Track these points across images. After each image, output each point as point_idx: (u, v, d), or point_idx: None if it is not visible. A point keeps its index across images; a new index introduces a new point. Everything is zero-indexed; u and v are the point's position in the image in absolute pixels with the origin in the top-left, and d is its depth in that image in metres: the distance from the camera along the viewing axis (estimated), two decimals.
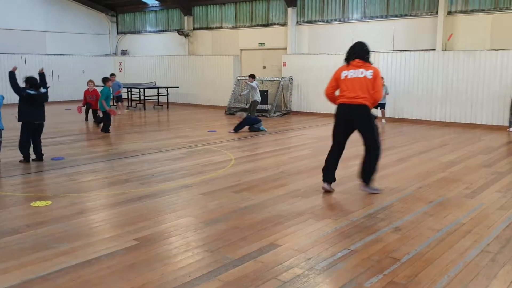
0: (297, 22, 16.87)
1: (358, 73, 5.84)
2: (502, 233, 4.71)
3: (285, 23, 17.11)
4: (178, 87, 19.18)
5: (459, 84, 13.11)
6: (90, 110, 13.75)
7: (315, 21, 16.48)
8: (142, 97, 18.31)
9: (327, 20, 16.17)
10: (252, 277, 3.69)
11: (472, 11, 13.28)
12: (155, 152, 9.13)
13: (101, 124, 11.86)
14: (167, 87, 18.53)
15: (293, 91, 16.48)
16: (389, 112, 14.39)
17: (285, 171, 7.49)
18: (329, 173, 6.20)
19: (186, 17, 20.00)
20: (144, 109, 17.84)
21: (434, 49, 13.72)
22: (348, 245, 4.35)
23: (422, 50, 13.95)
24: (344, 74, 5.92)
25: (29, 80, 7.92)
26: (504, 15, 12.72)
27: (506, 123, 12.27)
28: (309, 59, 16.08)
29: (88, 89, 13.80)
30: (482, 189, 6.43)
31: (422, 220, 5.08)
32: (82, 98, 14.20)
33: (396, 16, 14.59)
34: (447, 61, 13.34)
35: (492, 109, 12.59)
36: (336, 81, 6.02)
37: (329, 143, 6.32)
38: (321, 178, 6.27)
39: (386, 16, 14.79)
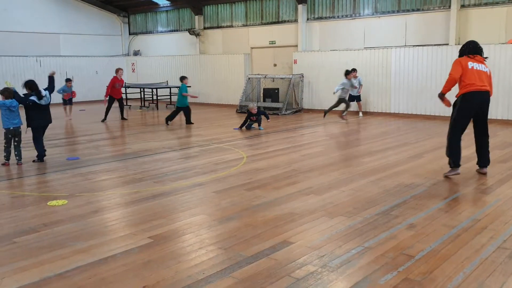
0: (307, 19, 16.83)
1: (482, 67, 6.63)
2: None
3: (296, 20, 17.08)
4: (189, 86, 19.22)
5: None
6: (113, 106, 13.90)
7: (325, 18, 16.42)
8: (154, 97, 18.42)
9: (338, 16, 16.10)
10: (266, 274, 3.70)
11: (486, 4, 13.13)
12: (168, 151, 9.18)
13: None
14: (179, 87, 18.59)
15: (304, 89, 16.44)
16: (402, 108, 14.30)
17: (297, 169, 7.48)
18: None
19: (196, 17, 20.07)
20: (157, 108, 17.94)
21: (448, 44, 13.57)
22: (362, 243, 4.34)
23: (435, 45, 13.82)
24: (470, 64, 6.58)
25: (28, 84, 8.00)
26: None
27: None
28: (320, 56, 16.02)
29: (117, 76, 14.02)
30: (498, 185, 6.36)
31: (437, 217, 5.04)
32: (100, 98, 14.27)
33: (408, 11, 14.48)
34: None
35: (508, 103, 12.43)
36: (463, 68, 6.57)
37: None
38: (334, 176, 6.26)
39: (398, 11, 14.67)
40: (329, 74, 15.39)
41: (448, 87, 6.67)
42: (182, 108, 13.16)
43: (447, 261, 3.93)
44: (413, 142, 9.81)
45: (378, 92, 14.79)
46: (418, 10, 14.29)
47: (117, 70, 14.24)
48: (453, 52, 13.19)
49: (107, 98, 13.99)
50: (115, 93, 13.95)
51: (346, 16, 15.86)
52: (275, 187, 6.34)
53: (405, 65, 14.16)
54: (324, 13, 16.43)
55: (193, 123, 13.17)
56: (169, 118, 13.26)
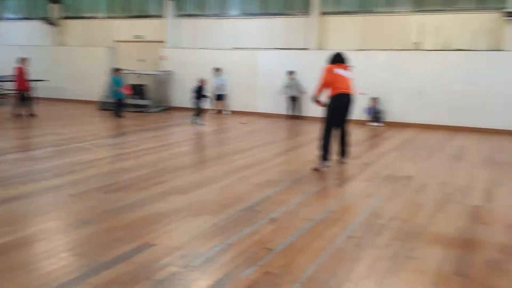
0: (176, 15, 16.61)
1: (346, 73, 7.54)
2: (367, 219, 5.08)
3: (163, 16, 16.75)
4: (48, 80, 17.79)
5: None
6: None
7: (195, 15, 16.38)
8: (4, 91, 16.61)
9: (207, 15, 16.17)
10: (125, 279, 3.53)
11: (344, 12, 14.17)
12: (17, 152, 8.37)
13: None
14: (33, 80, 17.05)
15: (174, 86, 16.22)
16: (268, 108, 14.84)
17: (165, 168, 7.32)
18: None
19: (52, 5, 18.56)
20: (5, 104, 16.04)
21: (308, 48, 14.41)
22: (225, 240, 4.37)
23: (298, 49, 14.59)
24: (336, 70, 7.44)
25: None
26: (372, 17, 13.77)
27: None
28: (190, 54, 15.96)
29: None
30: (351, 179, 6.89)
31: (297, 211, 5.29)
32: None
33: (272, 14, 15.06)
34: (321, 60, 14.06)
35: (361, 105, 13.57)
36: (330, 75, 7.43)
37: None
38: (202, 174, 6.25)
39: (264, 14, 15.19)
40: (199, 72, 15.38)
41: (320, 90, 7.56)
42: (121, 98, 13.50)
43: (304, 253, 4.13)
44: (278, 141, 10.23)
45: (246, 92, 15.18)
46: (282, 14, 14.94)
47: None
48: (313, 56, 14.07)
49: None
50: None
51: (215, 15, 16.00)
52: (140, 188, 6.12)
53: (271, 67, 14.74)
54: (193, 10, 16.38)
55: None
56: (118, 112, 13.24)
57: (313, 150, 9.06)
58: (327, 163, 7.41)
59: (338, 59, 7.68)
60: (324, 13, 14.37)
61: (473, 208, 5.60)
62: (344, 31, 14.16)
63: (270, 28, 15.16)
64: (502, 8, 12.17)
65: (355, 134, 11.32)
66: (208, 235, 4.49)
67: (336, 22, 14.26)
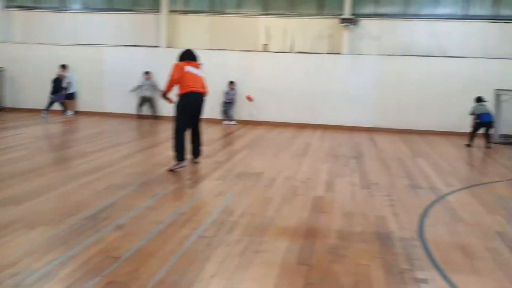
0: (5, 7, 14.96)
1: (197, 71, 7.42)
2: (218, 217, 5.09)
3: None
4: None
5: None
6: None
7: (29, 7, 14.94)
8: None
9: (44, 8, 14.86)
10: None
11: (192, 11, 14.17)
12: None
13: None
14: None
15: (5, 84, 14.61)
16: (117, 107, 14.22)
17: None
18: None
19: None
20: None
21: (159, 46, 14.13)
22: (65, 252, 4.00)
23: (148, 46, 14.21)
24: (186, 68, 7.25)
25: None
26: (219, 17, 13.99)
27: (221, 117, 13.60)
28: (25, 49, 14.53)
29: None
30: (202, 178, 6.87)
31: (146, 215, 5.08)
32: None
33: (120, 10, 14.44)
34: (171, 58, 13.91)
35: (213, 105, 13.71)
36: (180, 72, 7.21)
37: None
38: (39, 181, 5.68)
39: (110, 10, 14.50)
40: (36, 69, 14.10)
41: (169, 87, 7.39)
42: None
43: (153, 257, 3.97)
44: (127, 142, 9.81)
45: (92, 91, 14.35)
46: (130, 10, 14.41)
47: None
48: (164, 54, 13.86)
49: None
50: None
51: (54, 8, 14.78)
52: None
53: (119, 65, 14.15)
54: (25, 1, 14.91)
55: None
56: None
57: (164, 151, 8.88)
58: (182, 163, 7.24)
59: (188, 56, 7.52)
60: (173, 11, 14.22)
61: (316, 199, 5.97)
62: (194, 30, 14.17)
63: (117, 24, 14.51)
64: (340, 14, 13.29)
65: (209, 133, 11.40)
66: (45, 248, 4.07)
67: (186, 20, 14.21)
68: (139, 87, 13.77)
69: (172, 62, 13.82)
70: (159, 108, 13.94)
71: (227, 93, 13.53)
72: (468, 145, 10.86)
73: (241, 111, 13.79)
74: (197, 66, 7.53)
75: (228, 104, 13.58)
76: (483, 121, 10.82)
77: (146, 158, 8.19)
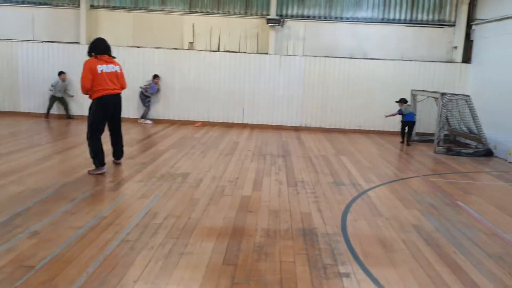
0: None
1: (110, 67, 6.85)
2: (142, 220, 4.94)
3: None
4: None
5: None
6: None
7: None
8: None
9: None
10: None
11: (114, 7, 13.68)
12: None
13: None
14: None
15: None
16: (34, 107, 13.46)
17: None
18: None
19: None
20: None
21: (79, 42, 13.52)
22: None
23: (67, 42, 13.55)
24: (99, 68, 6.68)
25: None
26: (143, 14, 13.63)
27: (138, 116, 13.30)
28: None
29: None
30: (125, 180, 6.64)
31: (63, 220, 4.82)
32: None
33: (35, 3, 13.64)
34: None
35: (138, 105, 13.37)
36: (93, 74, 6.62)
37: None
38: None
39: (24, 2, 13.65)
40: None
41: (84, 91, 6.78)
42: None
43: (71, 264, 3.77)
44: (44, 143, 9.29)
45: (4, 89, 13.47)
46: (46, 4, 13.65)
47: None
48: (85, 51, 13.23)
49: None
50: None
51: None
52: None
53: (35, 61, 13.39)
54: None
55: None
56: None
57: (83, 152, 8.49)
58: (102, 169, 6.86)
59: (100, 49, 6.78)
60: (94, 7, 13.66)
61: (243, 198, 5.97)
62: (116, 27, 13.69)
63: (32, 18, 13.69)
64: (266, 14, 13.41)
65: (133, 133, 11.08)
66: None
67: (108, 16, 13.70)
68: (54, 87, 13.08)
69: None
70: (71, 107, 13.42)
71: (148, 87, 13.19)
72: (402, 142, 11.59)
73: (167, 110, 13.54)
74: (111, 60, 6.90)
75: (149, 101, 13.23)
76: (406, 120, 11.47)
77: (64, 160, 7.79)
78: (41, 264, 3.74)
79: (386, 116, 12.12)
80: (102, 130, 6.95)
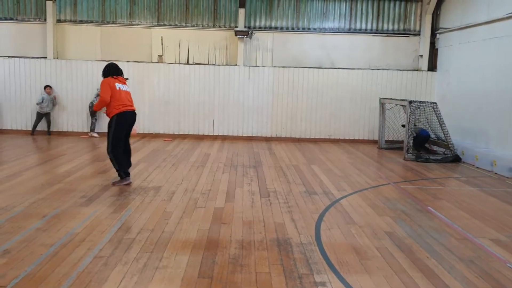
0: None
1: (125, 87, 7.31)
2: (115, 235, 4.88)
3: None
4: None
5: (72, 93, 13.22)
6: None
7: None
8: None
9: None
10: None
11: (81, 21, 13.53)
12: None
13: None
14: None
15: None
16: (4, 123, 13.16)
17: None
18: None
19: None
20: None
21: (46, 57, 13.30)
22: None
23: (34, 57, 13.31)
24: (117, 86, 7.10)
25: None
26: (111, 28, 13.52)
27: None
28: None
29: None
30: (97, 195, 6.54)
31: (34, 237, 4.72)
32: None
33: (0, 18, 13.37)
34: (60, 69, 13.23)
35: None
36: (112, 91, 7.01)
37: None
38: None
39: None
40: None
41: (100, 107, 7.16)
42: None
43: (44, 283, 3.69)
44: (12, 160, 9.07)
45: None
46: (12, 19, 13.39)
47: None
48: (52, 65, 13.10)
49: None
50: None
51: None
52: None
53: (1, 77, 13.13)
54: None
55: None
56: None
57: (54, 168, 8.35)
58: (129, 180, 7.30)
59: (114, 71, 7.25)
60: (61, 21, 13.48)
61: (216, 210, 5.97)
62: (84, 41, 13.53)
63: None
64: (234, 27, 13.50)
65: (102, 147, 10.93)
66: None
67: (75, 30, 13.53)
68: (42, 102, 12.79)
69: (61, 74, 13.27)
70: (54, 123, 13.22)
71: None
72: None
73: (136, 123, 13.40)
74: (124, 81, 7.36)
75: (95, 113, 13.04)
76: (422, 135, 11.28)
77: (34, 176, 7.62)
78: (13, 283, 3.65)
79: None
80: (122, 143, 7.22)
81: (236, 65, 13.55)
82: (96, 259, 4.23)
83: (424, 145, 11.54)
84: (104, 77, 7.20)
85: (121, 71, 7.43)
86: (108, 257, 4.28)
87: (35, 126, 13.01)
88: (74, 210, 5.77)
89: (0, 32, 13.37)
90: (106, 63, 12.93)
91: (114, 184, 7.23)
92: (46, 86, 12.97)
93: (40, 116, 12.98)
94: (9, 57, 13.27)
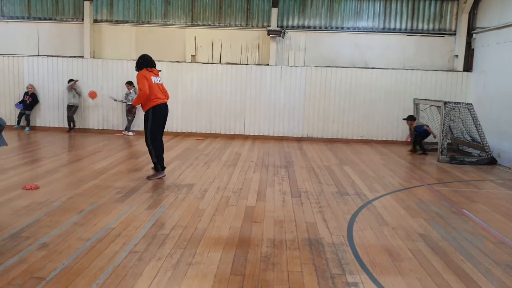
0: None
1: (158, 79, 7.38)
2: (149, 231, 4.97)
3: None
4: None
5: (109, 91, 13.50)
6: None
7: None
8: None
9: None
10: None
11: (117, 21, 13.82)
12: None
13: None
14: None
15: None
16: (39, 120, 13.56)
17: None
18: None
19: None
20: None
21: (83, 56, 13.65)
22: None
23: (70, 56, 13.68)
24: (153, 79, 7.21)
25: None
26: (146, 27, 13.75)
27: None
28: None
29: None
30: (132, 192, 6.67)
31: (72, 232, 4.86)
32: None
33: (40, 19, 13.79)
34: (96, 69, 13.54)
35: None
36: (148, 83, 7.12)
37: None
38: None
39: (29, 18, 13.80)
40: None
41: (140, 101, 7.20)
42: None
43: (80, 276, 3.80)
44: (50, 156, 9.35)
45: (11, 103, 13.58)
46: (51, 19, 13.81)
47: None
48: (89, 64, 13.43)
49: None
50: None
51: None
52: None
53: (40, 75, 13.53)
54: None
55: None
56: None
57: (90, 164, 8.57)
58: (163, 173, 7.56)
59: (148, 63, 7.31)
60: (97, 21, 13.80)
61: (248, 209, 6.00)
62: (119, 40, 13.83)
63: (37, 33, 13.83)
64: (267, 26, 13.53)
65: (139, 145, 11.13)
66: None
67: (111, 30, 13.84)
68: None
69: (97, 73, 13.58)
70: (90, 121, 13.58)
71: (127, 95, 13.33)
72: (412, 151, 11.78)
73: (170, 122, 13.59)
74: (158, 73, 7.46)
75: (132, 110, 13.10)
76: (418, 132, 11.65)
77: (70, 172, 7.83)
78: (51, 275, 3.77)
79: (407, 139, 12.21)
80: (160, 136, 7.46)
81: (268, 64, 13.57)
82: (131, 254, 4.32)
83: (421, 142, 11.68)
84: (138, 70, 7.29)
85: (155, 62, 7.48)
86: (143, 252, 4.37)
87: (69, 121, 13.33)
88: (110, 206, 5.92)
89: (40, 32, 13.79)
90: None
91: (149, 178, 7.43)
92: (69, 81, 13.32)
93: (68, 108, 13.32)
94: (48, 56, 13.67)
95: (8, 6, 13.77)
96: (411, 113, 12.31)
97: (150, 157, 7.70)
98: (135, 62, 7.60)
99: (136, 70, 7.37)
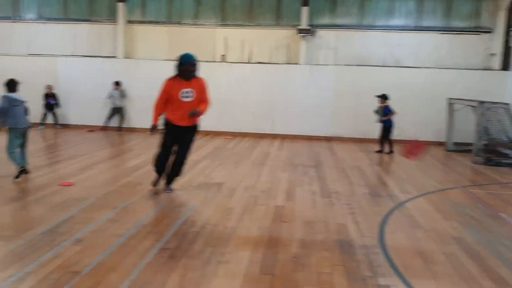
0: None
1: None
2: (180, 228, 5.03)
3: None
4: None
5: (140, 91, 13.72)
6: None
7: None
8: None
9: None
10: None
11: (149, 22, 14.04)
12: None
13: None
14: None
15: None
16: (73, 119, 13.90)
17: None
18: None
19: None
20: None
21: (116, 57, 13.91)
22: (23, 267, 3.85)
23: (104, 56, 13.96)
24: None
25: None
26: (177, 28, 13.92)
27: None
28: None
29: None
30: (163, 190, 6.75)
31: (106, 228, 4.96)
32: None
33: (75, 20, 14.13)
34: (128, 69, 13.78)
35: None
36: None
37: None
38: None
39: (65, 19, 14.16)
40: None
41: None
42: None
43: (114, 271, 3.87)
44: (84, 154, 9.56)
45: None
46: (86, 20, 14.13)
47: None
48: (121, 64, 13.68)
49: None
50: None
51: (7, 18, 14.31)
52: None
53: (74, 75, 13.86)
54: None
55: None
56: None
57: (124, 162, 8.72)
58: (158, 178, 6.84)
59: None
60: (131, 22, 14.04)
61: (277, 208, 5.99)
62: (151, 41, 14.04)
63: (72, 34, 14.18)
64: (297, 25, 13.50)
65: None
66: (1, 265, 3.90)
67: (143, 31, 14.06)
68: (110, 98, 13.48)
69: (129, 72, 13.80)
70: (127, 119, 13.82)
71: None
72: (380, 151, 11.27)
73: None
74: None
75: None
76: (387, 125, 11.19)
77: (104, 170, 8.00)
78: (86, 270, 3.86)
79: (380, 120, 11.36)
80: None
81: (297, 63, 13.52)
82: (162, 250, 4.38)
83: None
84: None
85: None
86: (174, 249, 4.42)
87: (107, 120, 13.60)
88: (142, 203, 6.01)
89: (76, 33, 14.13)
90: (172, 62, 13.48)
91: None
92: (115, 83, 13.56)
93: (112, 110, 13.57)
94: (83, 56, 14.00)
95: (44, 8, 14.15)
96: (446, 114, 12.01)
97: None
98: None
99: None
